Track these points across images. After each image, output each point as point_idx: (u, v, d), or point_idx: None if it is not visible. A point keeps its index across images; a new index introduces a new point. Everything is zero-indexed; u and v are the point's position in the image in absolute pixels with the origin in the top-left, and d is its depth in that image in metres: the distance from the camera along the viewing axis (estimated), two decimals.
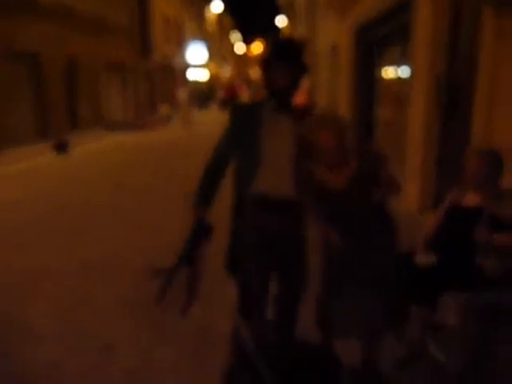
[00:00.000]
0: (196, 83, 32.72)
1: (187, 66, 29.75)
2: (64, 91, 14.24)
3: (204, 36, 36.06)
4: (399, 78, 6.96)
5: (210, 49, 37.89)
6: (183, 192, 6.34)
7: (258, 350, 1.62)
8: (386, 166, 2.09)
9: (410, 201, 5.16)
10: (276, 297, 2.34)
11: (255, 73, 70.09)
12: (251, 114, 2.24)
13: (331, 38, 12.93)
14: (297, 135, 2.09)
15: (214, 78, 37.94)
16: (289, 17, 39.40)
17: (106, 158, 10.77)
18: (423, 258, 2.50)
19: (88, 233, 5.17)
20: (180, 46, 28.17)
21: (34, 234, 5.15)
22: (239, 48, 74.42)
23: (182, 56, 28.46)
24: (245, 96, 28.76)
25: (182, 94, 19.01)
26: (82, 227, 5.38)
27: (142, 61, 20.58)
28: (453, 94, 4.45)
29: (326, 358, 2.10)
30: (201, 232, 2.11)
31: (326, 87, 13.95)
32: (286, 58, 2.17)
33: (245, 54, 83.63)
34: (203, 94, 28.29)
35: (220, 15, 48.21)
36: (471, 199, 2.46)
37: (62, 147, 10.93)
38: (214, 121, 19.19)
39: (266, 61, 2.24)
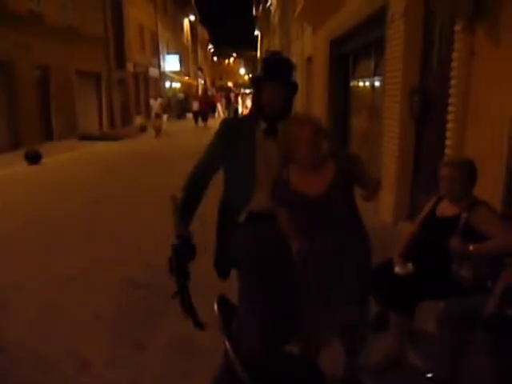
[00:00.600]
0: (173, 93, 32.62)
1: (162, 75, 29.64)
2: (36, 101, 13.96)
3: (179, 46, 36.08)
4: (373, 90, 7.13)
5: (185, 59, 37.93)
6: (156, 203, 6.28)
7: (243, 365, 1.61)
8: (362, 166, 2.09)
9: (386, 212, 5.25)
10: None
11: (232, 82, 70.55)
12: (242, 131, 2.16)
13: (307, 50, 13.15)
14: (277, 141, 2.05)
15: (189, 88, 37.90)
16: (263, 30, 40.02)
17: (79, 169, 10.57)
18: (401, 268, 2.55)
19: (63, 245, 5.04)
20: (155, 55, 28.07)
21: (7, 247, 4.98)
22: (216, 59, 74.83)
23: (157, 65, 28.36)
24: (221, 107, 28.64)
25: (154, 104, 18.54)
26: (57, 239, 5.25)
27: (117, 70, 20.39)
28: (426, 108, 4.58)
29: (309, 369, 2.10)
30: (184, 252, 1.96)
31: (301, 98, 14.13)
32: (278, 76, 2.07)
33: (221, 64, 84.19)
34: (180, 104, 28.00)
35: (198, 27, 48.46)
36: (446, 209, 2.53)
37: (34, 157, 10.67)
38: (189, 131, 19.15)
39: (255, 79, 2.16)
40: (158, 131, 17.40)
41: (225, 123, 2.30)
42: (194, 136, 17.18)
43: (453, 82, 3.73)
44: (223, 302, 1.86)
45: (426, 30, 4.62)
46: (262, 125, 2.13)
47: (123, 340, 3.08)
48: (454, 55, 3.70)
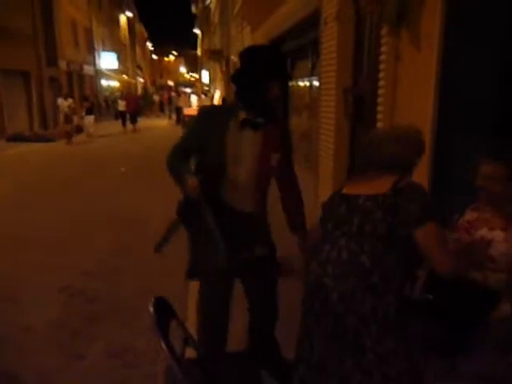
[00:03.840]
0: (110, 92, 31.50)
1: (98, 73, 28.57)
2: None
3: (116, 43, 34.95)
4: (311, 90, 7.31)
5: (123, 57, 36.81)
6: (87, 208, 6.04)
7: (179, 366, 1.61)
8: None
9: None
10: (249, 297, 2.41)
11: (173, 81, 69.43)
12: (216, 120, 2.12)
13: None
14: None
15: (128, 87, 36.79)
16: (203, 28, 39.70)
17: (4, 172, 9.88)
18: None
19: None
20: (90, 52, 26.98)
21: None
22: (156, 57, 73.37)
23: (93, 63, 27.28)
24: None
25: (63, 104, 15.05)
26: None
27: (48, 68, 19.35)
28: (359, 107, 4.78)
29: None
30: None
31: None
32: (281, 73, 2.10)
33: (161, 62, 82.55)
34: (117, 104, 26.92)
35: (136, 24, 47.16)
36: None
37: None
38: (116, 135, 17.80)
39: (244, 73, 2.09)
40: (70, 136, 14.53)
41: (201, 111, 2.30)
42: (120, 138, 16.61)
43: (381, 82, 3.92)
44: (160, 303, 1.84)
45: (357, 32, 4.81)
46: (241, 115, 2.09)
47: (58, 351, 2.95)
48: (381, 58, 3.88)
